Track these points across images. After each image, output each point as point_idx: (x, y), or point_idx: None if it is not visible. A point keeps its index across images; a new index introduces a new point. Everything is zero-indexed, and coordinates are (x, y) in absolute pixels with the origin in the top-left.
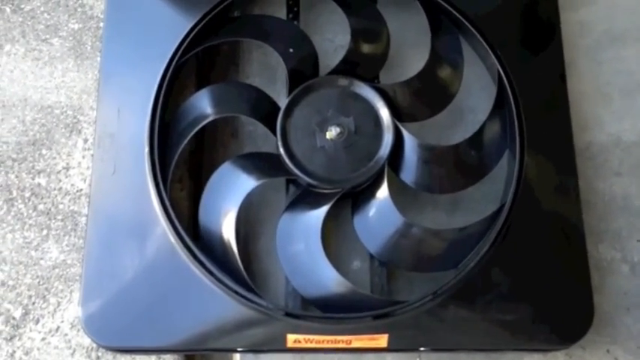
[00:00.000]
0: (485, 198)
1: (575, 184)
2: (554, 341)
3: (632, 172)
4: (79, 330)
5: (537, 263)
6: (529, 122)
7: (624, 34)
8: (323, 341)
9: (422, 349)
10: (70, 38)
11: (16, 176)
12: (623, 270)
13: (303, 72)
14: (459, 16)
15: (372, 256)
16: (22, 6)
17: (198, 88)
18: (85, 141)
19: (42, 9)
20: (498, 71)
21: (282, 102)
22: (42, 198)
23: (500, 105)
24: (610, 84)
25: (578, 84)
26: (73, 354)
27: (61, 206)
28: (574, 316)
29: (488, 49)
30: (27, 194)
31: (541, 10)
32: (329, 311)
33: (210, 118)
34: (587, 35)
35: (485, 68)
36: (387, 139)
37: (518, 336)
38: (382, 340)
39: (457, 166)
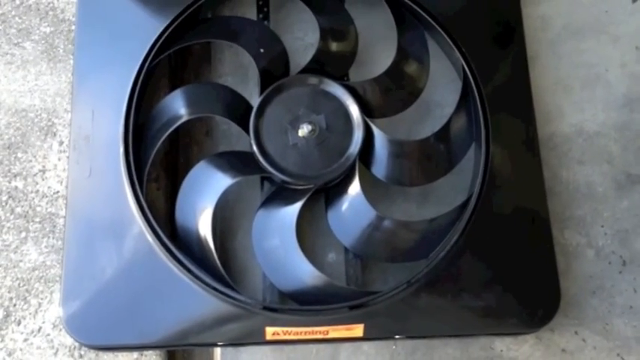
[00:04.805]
0: (454, 189)
1: (539, 173)
2: (524, 325)
3: (594, 161)
4: (60, 330)
5: (505, 250)
6: (494, 114)
7: (583, 28)
8: (301, 333)
9: (397, 336)
10: (42, 42)
11: None
12: (588, 254)
13: (274, 71)
14: (423, 13)
15: (346, 249)
16: None
17: (172, 88)
18: (61, 143)
19: (13, 13)
20: (463, 66)
21: (255, 101)
22: (19, 201)
23: (465, 98)
24: (571, 76)
25: (540, 77)
26: (56, 353)
27: (38, 209)
28: (542, 300)
29: (452, 44)
30: (4, 197)
31: (503, 5)
32: (306, 304)
33: (184, 119)
34: (548, 29)
35: (450, 63)
36: (358, 135)
37: (489, 321)
38: (358, 330)
39: (426, 159)
